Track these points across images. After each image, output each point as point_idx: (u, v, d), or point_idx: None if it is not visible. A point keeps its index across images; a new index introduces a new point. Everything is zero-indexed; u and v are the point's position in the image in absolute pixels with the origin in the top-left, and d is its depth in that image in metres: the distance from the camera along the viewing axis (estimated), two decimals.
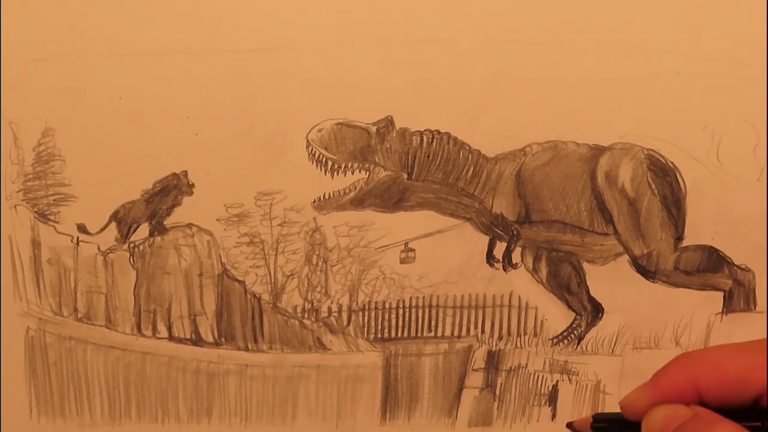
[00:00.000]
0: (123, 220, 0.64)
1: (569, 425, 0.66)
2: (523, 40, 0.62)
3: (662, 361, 0.65)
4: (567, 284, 0.66)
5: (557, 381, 0.67)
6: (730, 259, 0.66)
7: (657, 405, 0.57)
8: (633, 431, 0.60)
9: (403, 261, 0.65)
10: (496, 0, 0.62)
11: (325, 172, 0.64)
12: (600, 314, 0.66)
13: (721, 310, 0.67)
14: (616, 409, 0.67)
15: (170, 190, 0.63)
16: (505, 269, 0.66)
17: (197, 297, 0.65)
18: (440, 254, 0.65)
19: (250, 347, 0.65)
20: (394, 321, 0.66)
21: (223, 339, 0.65)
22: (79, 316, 0.64)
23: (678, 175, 0.65)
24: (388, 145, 0.64)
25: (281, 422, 0.66)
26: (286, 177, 0.63)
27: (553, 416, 0.67)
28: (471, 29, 0.62)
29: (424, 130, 0.64)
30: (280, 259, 0.65)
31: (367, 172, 0.64)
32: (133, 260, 0.64)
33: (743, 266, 0.66)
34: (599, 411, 0.67)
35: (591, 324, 0.67)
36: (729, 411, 0.56)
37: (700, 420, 0.54)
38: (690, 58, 0.63)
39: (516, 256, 0.66)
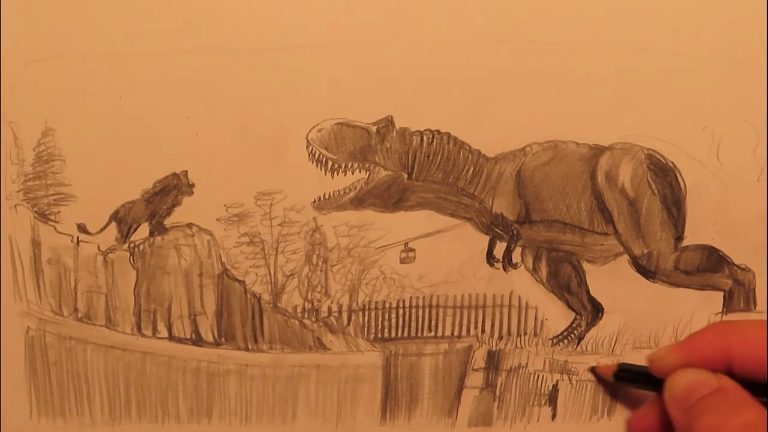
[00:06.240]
0: (123, 220, 0.64)
1: (593, 370, 0.66)
2: (523, 40, 0.62)
3: None
4: (567, 284, 0.66)
5: (557, 381, 0.67)
6: (730, 259, 0.66)
7: (685, 366, 0.56)
8: (655, 387, 0.59)
9: (403, 261, 0.65)
10: (496, 0, 0.62)
11: (325, 172, 0.64)
12: (600, 314, 0.66)
13: (721, 310, 0.67)
14: (621, 404, 0.67)
15: (170, 190, 0.63)
16: (505, 269, 0.66)
17: (197, 297, 0.65)
18: (440, 254, 0.65)
19: (250, 347, 0.65)
20: (394, 321, 0.66)
21: (223, 339, 0.65)
22: (79, 316, 0.64)
23: (678, 175, 0.65)
24: (388, 145, 0.64)
25: (281, 422, 0.66)
26: (286, 177, 0.63)
27: (553, 416, 0.67)
28: (471, 29, 0.62)
29: (424, 130, 0.64)
30: (280, 259, 0.65)
31: (367, 172, 0.64)
32: (133, 260, 0.64)
33: (743, 266, 0.66)
34: (598, 411, 0.67)
35: (591, 324, 0.67)
36: (754, 384, 0.54)
37: (726, 397, 0.53)
38: (690, 58, 0.63)
39: (516, 256, 0.66)
